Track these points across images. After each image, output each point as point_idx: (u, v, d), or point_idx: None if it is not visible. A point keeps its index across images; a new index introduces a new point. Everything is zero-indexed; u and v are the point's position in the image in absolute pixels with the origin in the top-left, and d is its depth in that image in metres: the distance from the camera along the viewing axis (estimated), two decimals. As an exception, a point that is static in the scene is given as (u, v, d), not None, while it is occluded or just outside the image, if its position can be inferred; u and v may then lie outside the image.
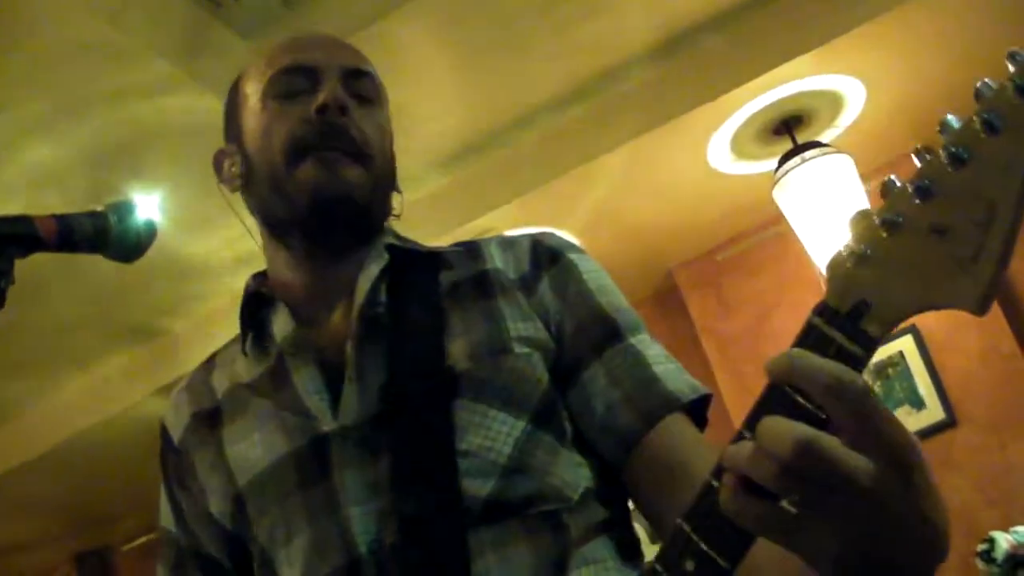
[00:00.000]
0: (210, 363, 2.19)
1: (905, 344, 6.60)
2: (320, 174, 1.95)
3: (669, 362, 1.96)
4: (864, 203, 5.89)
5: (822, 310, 1.32)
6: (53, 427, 6.65)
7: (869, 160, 6.21)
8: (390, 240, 2.09)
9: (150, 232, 1.93)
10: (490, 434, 1.84)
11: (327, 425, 1.89)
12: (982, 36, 5.78)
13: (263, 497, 1.92)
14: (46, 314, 5.66)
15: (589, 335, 1.96)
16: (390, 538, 1.79)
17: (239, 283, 2.38)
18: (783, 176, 5.95)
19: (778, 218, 6.13)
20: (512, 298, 2.00)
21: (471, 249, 2.11)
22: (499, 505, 1.80)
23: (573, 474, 1.88)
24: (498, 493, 1.80)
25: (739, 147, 6.05)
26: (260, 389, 2.01)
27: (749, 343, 6.92)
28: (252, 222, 2.16)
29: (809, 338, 1.32)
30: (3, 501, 6.91)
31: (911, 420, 6.50)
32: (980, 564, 5.56)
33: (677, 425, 1.87)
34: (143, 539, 8.12)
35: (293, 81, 2.03)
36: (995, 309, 6.18)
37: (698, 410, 1.92)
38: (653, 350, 1.97)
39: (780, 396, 1.31)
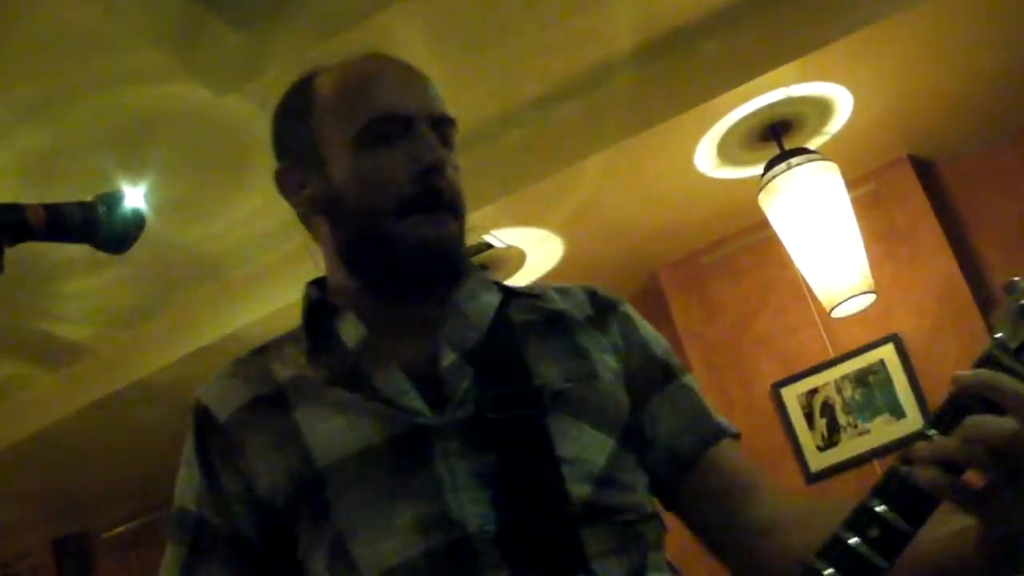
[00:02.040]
0: (261, 354, 2.24)
1: (886, 352, 6.61)
2: (428, 232, 2.09)
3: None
4: (848, 211, 6.03)
5: (1000, 343, 1.74)
6: (32, 416, 6.65)
7: (855, 167, 6.35)
8: (489, 278, 2.34)
9: (138, 223, 1.95)
10: (586, 447, 2.02)
11: (426, 420, 2.00)
12: (968, 47, 5.92)
13: (351, 477, 1.99)
14: (33, 302, 5.73)
15: (651, 373, 2.24)
16: (496, 525, 1.92)
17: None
18: (769, 181, 6.01)
19: (763, 223, 6.21)
20: (590, 334, 2.21)
21: (532, 291, 2.31)
22: (595, 510, 1.96)
23: (646, 493, 2.13)
24: (594, 499, 1.97)
25: (726, 152, 6.08)
26: (338, 382, 2.09)
27: (732, 346, 6.96)
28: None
29: (987, 362, 1.72)
30: None
31: (891, 429, 6.55)
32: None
33: (732, 448, 2.23)
34: (123, 527, 8.12)
35: (387, 129, 2.12)
36: (974, 314, 6.50)
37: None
38: (698, 389, 2.29)
39: (963, 403, 1.70)
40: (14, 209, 1.83)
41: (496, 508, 1.93)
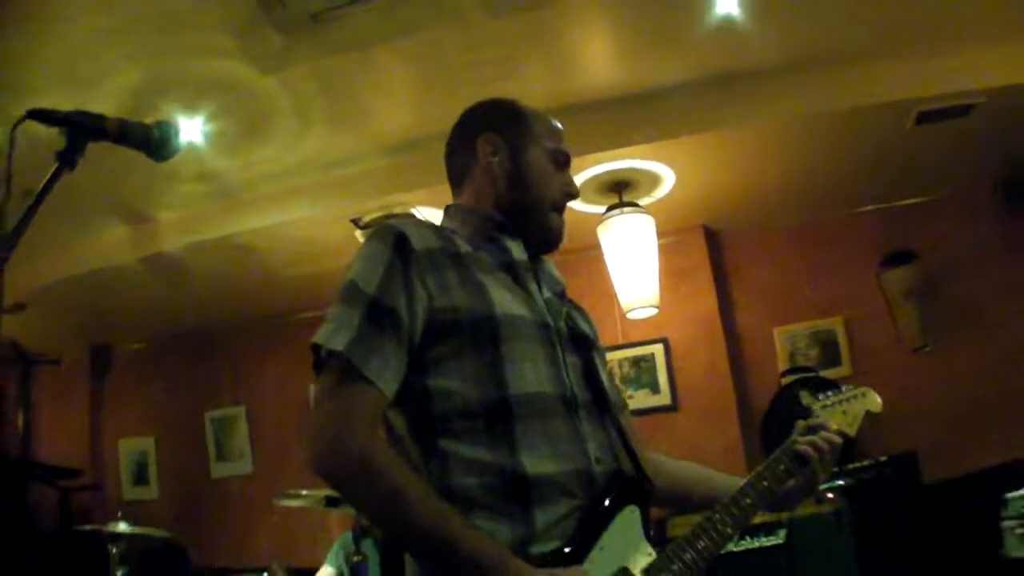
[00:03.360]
0: (438, 229, 2.24)
1: (657, 349, 6.81)
2: (559, 224, 2.35)
3: None
4: (654, 252, 6.12)
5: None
6: (94, 258, 6.68)
7: (666, 224, 6.43)
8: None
9: (177, 148, 2.12)
10: (605, 374, 2.33)
11: (549, 320, 2.21)
12: (755, 165, 6.12)
13: (515, 329, 2.11)
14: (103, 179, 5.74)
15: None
16: (584, 395, 2.21)
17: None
18: (606, 219, 6.08)
19: (597, 246, 6.25)
20: (586, 317, 2.51)
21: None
22: (614, 407, 2.31)
23: None
24: (613, 401, 2.32)
25: (584, 194, 6.05)
26: (504, 271, 2.23)
27: None
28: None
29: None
30: (42, 305, 6.87)
31: (650, 400, 6.77)
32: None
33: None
34: (138, 345, 8.17)
35: (564, 160, 2.39)
36: (720, 338, 6.63)
37: None
38: None
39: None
40: (99, 118, 1.99)
41: (582, 387, 2.21)
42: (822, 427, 2.40)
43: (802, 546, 4.78)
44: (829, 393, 2.63)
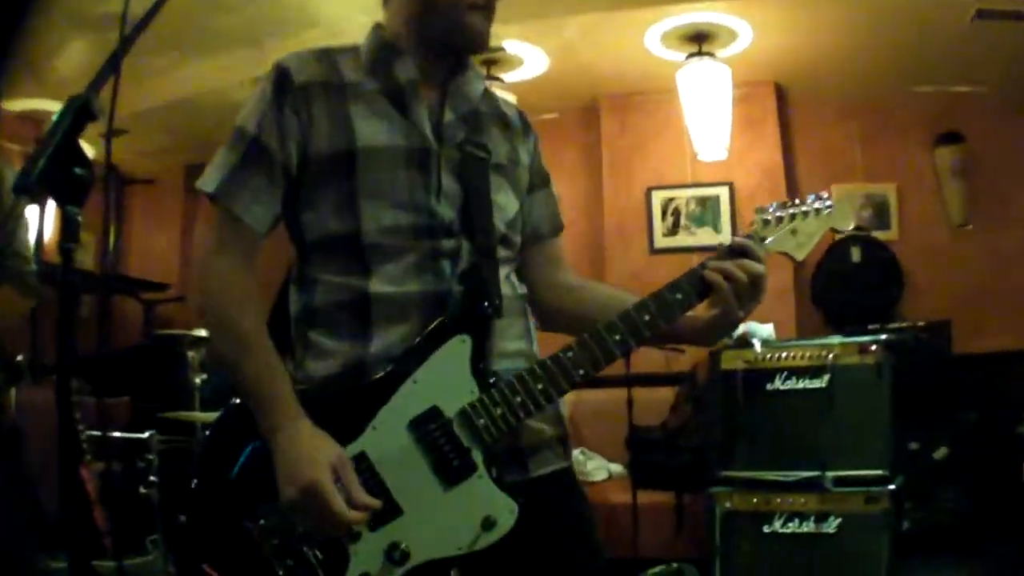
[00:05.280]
0: (331, 55, 1.99)
1: (723, 191, 6.49)
2: (483, 26, 1.93)
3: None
4: (728, 100, 5.90)
5: (756, 232, 1.91)
6: (183, 85, 6.17)
7: (741, 76, 6.06)
8: (481, 72, 2.14)
9: None
10: (505, 201, 2.00)
11: (432, 146, 1.92)
12: (825, 32, 5.83)
13: (375, 161, 1.88)
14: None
15: (541, 176, 2.16)
16: (458, 223, 1.90)
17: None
18: (684, 65, 5.84)
19: (672, 90, 5.93)
20: (518, 136, 2.12)
21: (494, 94, 2.17)
22: (504, 238, 1.98)
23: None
24: (505, 232, 1.98)
25: (666, 41, 5.71)
26: (386, 97, 1.94)
27: (630, 156, 6.65)
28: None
29: (751, 238, 1.88)
30: (140, 130, 6.24)
31: (710, 238, 6.46)
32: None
33: (560, 239, 2.22)
34: None
35: None
36: (781, 189, 6.46)
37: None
38: (556, 195, 2.24)
39: (737, 250, 1.86)
40: None
41: (458, 213, 1.90)
42: (745, 252, 1.86)
43: (842, 392, 4.43)
44: (780, 208, 1.96)
